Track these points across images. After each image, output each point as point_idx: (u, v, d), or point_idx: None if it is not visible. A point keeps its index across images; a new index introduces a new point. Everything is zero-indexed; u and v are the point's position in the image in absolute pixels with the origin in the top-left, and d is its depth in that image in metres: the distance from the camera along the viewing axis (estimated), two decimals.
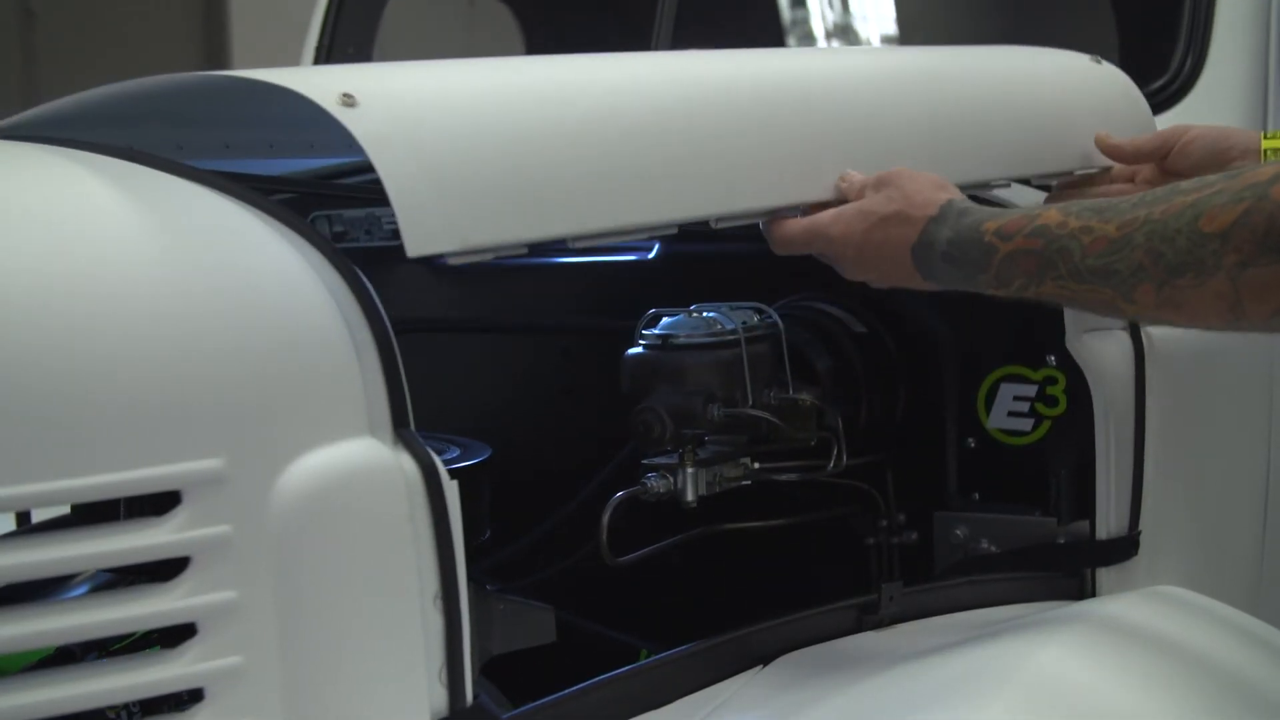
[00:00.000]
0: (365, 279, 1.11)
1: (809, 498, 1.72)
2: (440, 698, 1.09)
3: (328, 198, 1.96)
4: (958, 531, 1.70)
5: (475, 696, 1.12)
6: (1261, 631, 1.53)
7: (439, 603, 1.09)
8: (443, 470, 1.10)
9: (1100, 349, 1.63)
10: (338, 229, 1.96)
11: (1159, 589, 1.60)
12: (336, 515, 1.05)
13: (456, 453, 1.60)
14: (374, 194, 1.97)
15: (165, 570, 1.02)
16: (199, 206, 1.13)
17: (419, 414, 1.90)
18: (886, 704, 1.24)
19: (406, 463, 1.09)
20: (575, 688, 1.25)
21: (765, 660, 1.38)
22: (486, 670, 1.62)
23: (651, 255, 1.90)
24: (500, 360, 2.00)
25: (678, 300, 1.62)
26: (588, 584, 1.72)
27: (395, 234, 2.03)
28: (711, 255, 1.86)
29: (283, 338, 1.06)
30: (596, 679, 1.26)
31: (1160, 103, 1.93)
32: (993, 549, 1.67)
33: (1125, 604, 1.54)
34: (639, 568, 1.61)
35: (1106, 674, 1.29)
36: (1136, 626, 1.45)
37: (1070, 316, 1.61)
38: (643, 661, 1.31)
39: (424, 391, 2.00)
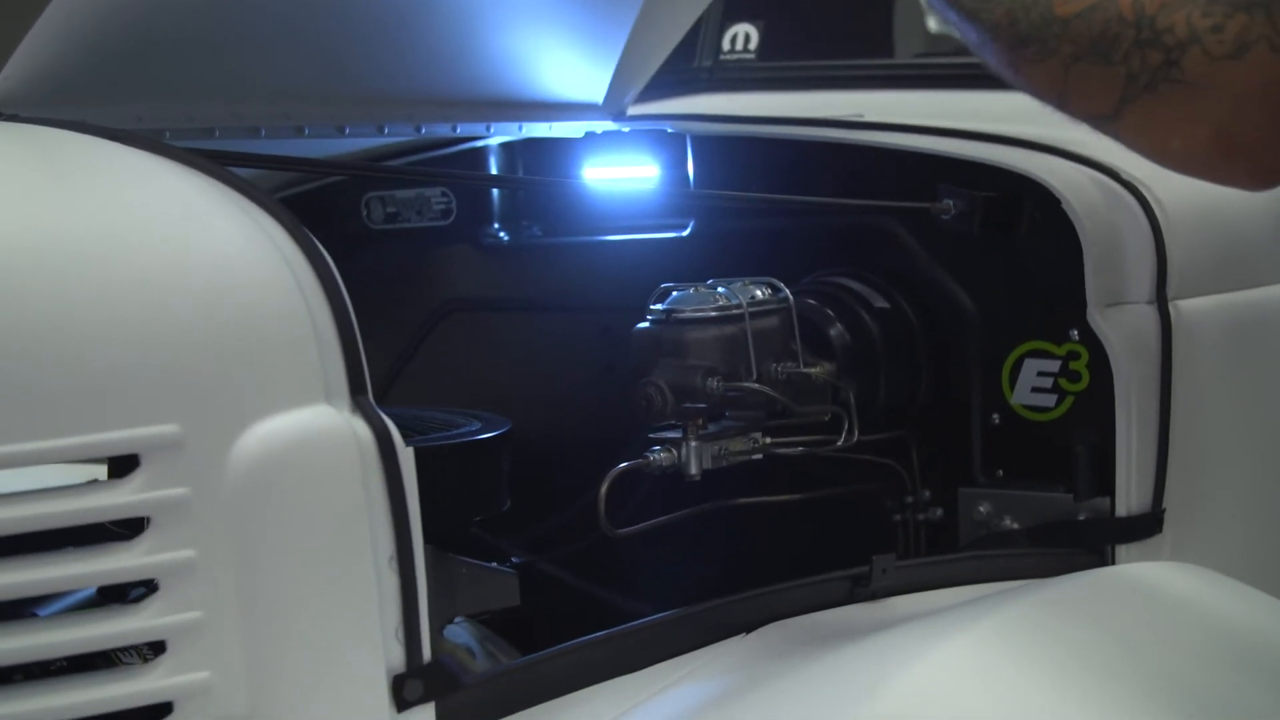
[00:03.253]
0: (324, 250, 1.15)
1: (835, 474, 1.73)
2: (397, 655, 1.13)
3: (379, 179, 2.01)
4: (981, 508, 1.69)
5: (434, 654, 1.15)
6: (1261, 614, 1.49)
7: (394, 564, 1.13)
8: (397, 437, 1.13)
9: (1123, 323, 1.61)
10: (390, 209, 2.02)
11: (1153, 565, 1.58)
12: (291, 479, 1.09)
13: (477, 426, 1.64)
14: (424, 175, 2.03)
15: None
16: (158, 179, 1.17)
17: (462, 390, 1.95)
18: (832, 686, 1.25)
19: (361, 429, 1.12)
20: (550, 650, 1.28)
21: (750, 629, 1.39)
22: (511, 637, 1.66)
23: (687, 233, 1.92)
24: (541, 338, 2.03)
25: (714, 276, 1.63)
26: (616, 557, 1.75)
27: (445, 213, 2.09)
28: (746, 231, 1.87)
29: (238, 307, 1.10)
30: (571, 642, 1.29)
31: None
32: (1015, 525, 1.67)
33: (1102, 580, 1.52)
34: (667, 543, 1.63)
35: (1009, 667, 1.28)
36: (1099, 606, 1.43)
37: (1092, 291, 1.60)
38: (620, 627, 1.32)
39: (467, 368, 2.06)
